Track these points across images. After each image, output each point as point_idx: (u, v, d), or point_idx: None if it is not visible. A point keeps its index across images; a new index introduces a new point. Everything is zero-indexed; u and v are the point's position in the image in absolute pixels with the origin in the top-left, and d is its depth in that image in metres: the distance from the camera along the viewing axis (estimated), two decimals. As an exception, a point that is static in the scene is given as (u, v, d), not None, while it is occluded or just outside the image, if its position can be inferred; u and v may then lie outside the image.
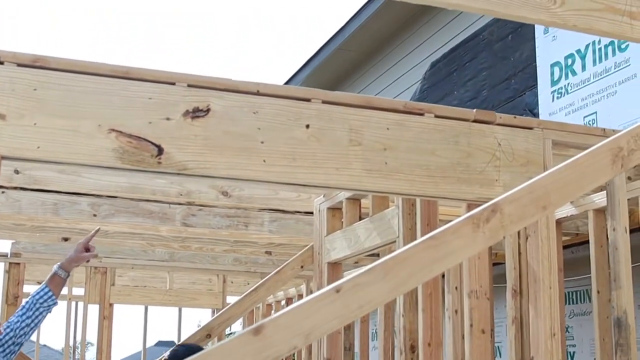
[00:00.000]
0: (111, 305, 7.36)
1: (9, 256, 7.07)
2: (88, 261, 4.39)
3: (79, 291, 8.20)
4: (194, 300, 8.29)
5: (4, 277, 7.01)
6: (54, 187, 4.72)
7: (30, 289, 8.40)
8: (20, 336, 4.09)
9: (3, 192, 5.09)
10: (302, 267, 4.68)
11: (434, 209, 3.71)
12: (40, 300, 4.14)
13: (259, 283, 4.70)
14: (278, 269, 4.71)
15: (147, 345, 9.22)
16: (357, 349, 7.65)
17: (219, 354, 1.81)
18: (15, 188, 4.67)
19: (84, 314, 8.01)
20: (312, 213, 4.95)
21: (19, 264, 7.04)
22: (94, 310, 7.73)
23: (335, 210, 4.64)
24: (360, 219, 4.35)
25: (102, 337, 7.27)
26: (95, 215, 5.35)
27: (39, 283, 8.32)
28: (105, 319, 7.26)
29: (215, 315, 4.69)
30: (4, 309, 6.80)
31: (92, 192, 4.84)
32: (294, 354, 9.05)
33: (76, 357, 8.65)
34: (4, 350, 4.03)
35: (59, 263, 4.27)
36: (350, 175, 3.00)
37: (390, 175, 3.07)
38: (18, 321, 4.12)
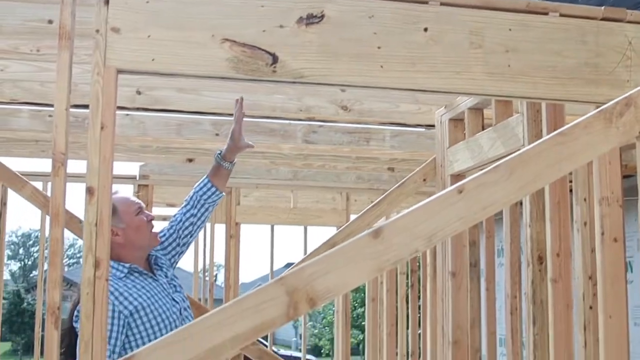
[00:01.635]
0: (237, 224, 7.45)
1: (137, 178, 7.21)
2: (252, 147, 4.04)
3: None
4: (319, 218, 8.30)
5: (134, 199, 7.17)
6: (175, 106, 4.73)
7: (158, 211, 8.60)
8: (185, 236, 3.90)
9: (127, 115, 5.17)
10: (424, 180, 4.58)
11: (560, 115, 3.53)
12: (205, 197, 3.89)
13: (382, 197, 4.64)
14: (400, 182, 4.63)
15: (276, 267, 9.34)
16: (482, 265, 7.55)
17: (338, 257, 1.76)
18: (138, 109, 4.70)
19: (212, 234, 8.16)
20: (433, 126, 4.83)
21: (147, 185, 7.18)
22: (220, 230, 7.84)
23: (457, 121, 4.51)
24: (483, 129, 4.22)
25: (230, 256, 7.38)
26: (217, 134, 5.37)
27: (168, 205, 8.52)
28: (232, 237, 7.36)
29: (339, 230, 4.67)
30: (136, 229, 6.98)
31: (213, 111, 4.84)
32: (419, 267, 9.03)
33: (206, 279, 8.85)
34: (169, 253, 3.88)
35: (218, 152, 4.00)
36: (472, 79, 2.87)
37: (514, 78, 2.92)
38: (181, 220, 3.91)
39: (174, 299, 3.69)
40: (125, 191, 3.73)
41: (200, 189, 3.93)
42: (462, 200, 1.78)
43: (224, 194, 3.99)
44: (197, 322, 1.74)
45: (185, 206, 3.95)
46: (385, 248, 1.75)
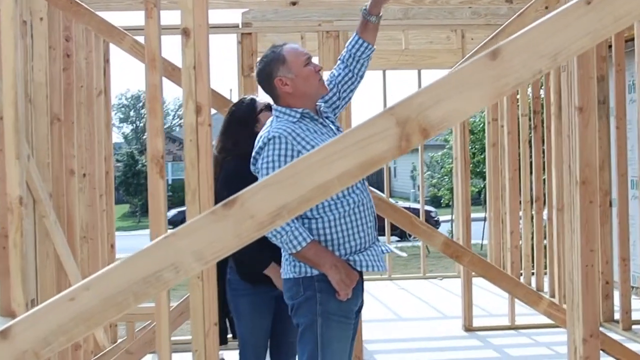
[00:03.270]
0: (347, 70, 7.33)
1: (240, 27, 7.14)
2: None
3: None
4: (432, 59, 8.11)
5: (237, 49, 7.09)
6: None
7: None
8: (345, 91, 4.07)
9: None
10: (546, 7, 4.37)
11: None
12: (358, 53, 4.04)
13: (499, 29, 4.46)
14: (520, 11, 4.43)
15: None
16: (612, 103, 7.29)
17: (452, 82, 1.66)
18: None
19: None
20: (555, -52, 4.57)
21: (250, 34, 7.11)
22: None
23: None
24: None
25: (341, 104, 7.30)
26: (320, -27, 5.25)
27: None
28: (342, 84, 7.26)
29: (452, 68, 4.52)
30: (241, 80, 6.95)
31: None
32: (542, 108, 8.80)
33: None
34: (330, 107, 4.04)
35: (364, 7, 4.08)
36: None
37: None
38: (340, 74, 4.08)
39: None
40: (293, 43, 3.89)
41: (353, 46, 4.07)
42: (591, 11, 1.64)
43: (375, 47, 4.11)
44: (302, 160, 1.69)
45: (340, 64, 4.12)
46: (504, 70, 1.64)
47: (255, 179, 4.12)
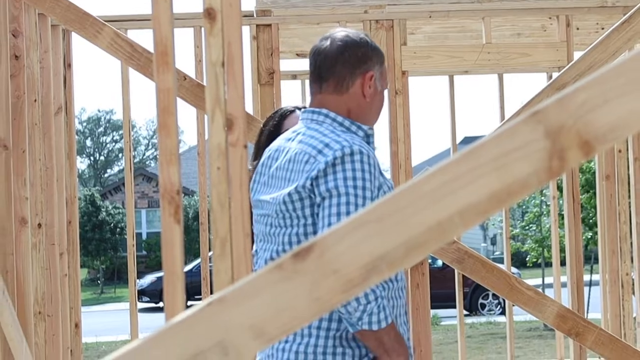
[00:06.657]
0: (404, 74, 7.27)
1: (254, 16, 7.09)
2: None
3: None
4: (524, 57, 7.97)
5: (251, 47, 7.01)
6: None
7: (287, 65, 8.52)
8: None
9: None
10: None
11: None
12: None
13: (634, 9, 4.41)
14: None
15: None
16: None
17: (630, 68, 1.59)
18: None
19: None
20: None
21: (269, 26, 7.05)
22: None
23: None
24: None
25: (396, 120, 7.23)
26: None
27: (298, 55, 8.44)
28: (398, 94, 7.20)
29: (569, 65, 4.49)
30: (257, 90, 6.87)
31: None
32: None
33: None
34: None
35: None
36: None
37: None
38: None
39: None
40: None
41: None
42: None
43: None
44: (406, 190, 1.62)
45: None
46: None
47: None
